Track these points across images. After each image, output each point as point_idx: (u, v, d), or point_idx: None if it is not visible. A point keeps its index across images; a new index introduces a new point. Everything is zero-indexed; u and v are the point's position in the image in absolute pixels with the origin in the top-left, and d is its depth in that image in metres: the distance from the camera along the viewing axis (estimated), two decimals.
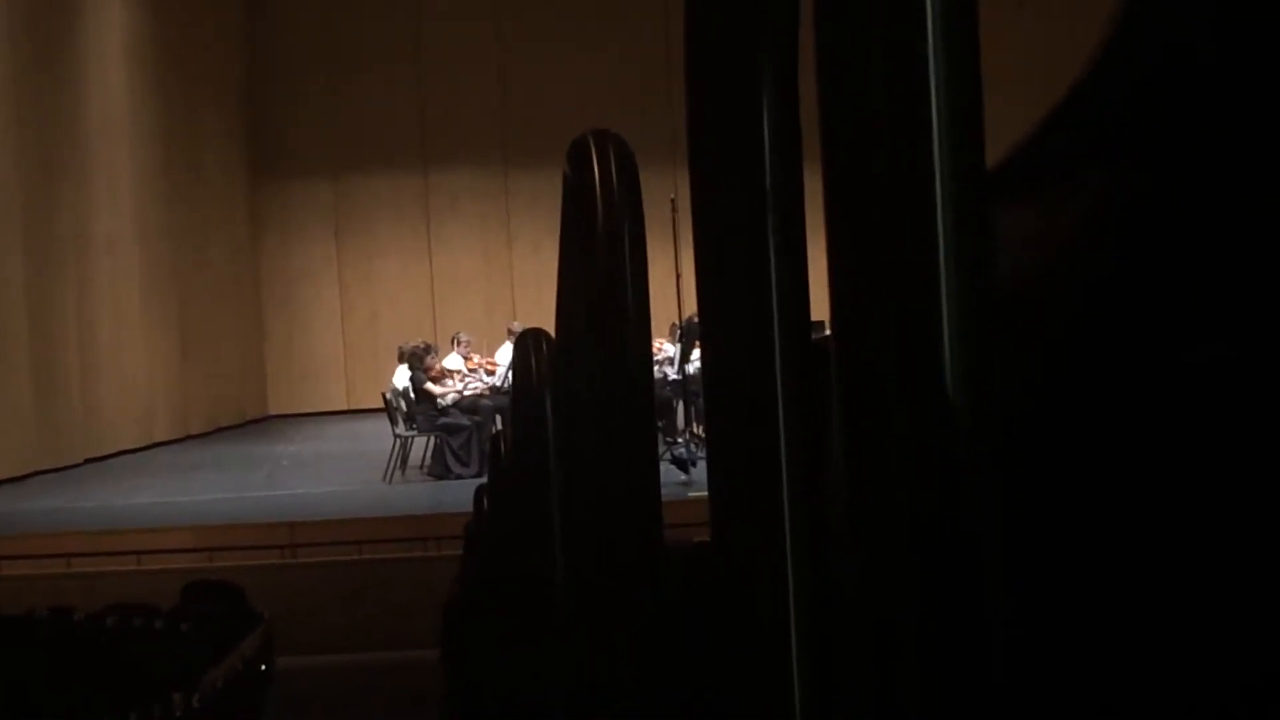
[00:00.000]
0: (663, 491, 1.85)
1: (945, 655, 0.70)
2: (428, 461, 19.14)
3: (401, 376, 19.62)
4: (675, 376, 18.43)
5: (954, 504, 0.69)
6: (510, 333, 19.71)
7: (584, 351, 1.81)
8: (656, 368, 17.69)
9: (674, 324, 19.35)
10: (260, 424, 29.93)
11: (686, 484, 14.86)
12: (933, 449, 0.69)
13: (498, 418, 17.53)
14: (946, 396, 0.69)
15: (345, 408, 30.55)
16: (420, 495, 17.37)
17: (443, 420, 18.91)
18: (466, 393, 19.26)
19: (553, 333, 2.62)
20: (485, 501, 5.47)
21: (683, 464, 15.58)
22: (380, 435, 20.12)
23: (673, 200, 16.17)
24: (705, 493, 0.98)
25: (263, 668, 11.76)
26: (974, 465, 0.69)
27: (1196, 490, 0.81)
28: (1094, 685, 0.84)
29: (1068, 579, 0.84)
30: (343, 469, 20.45)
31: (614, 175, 1.77)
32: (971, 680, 0.70)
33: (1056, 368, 0.86)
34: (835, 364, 0.72)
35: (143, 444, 24.72)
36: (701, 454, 15.66)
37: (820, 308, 0.79)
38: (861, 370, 0.71)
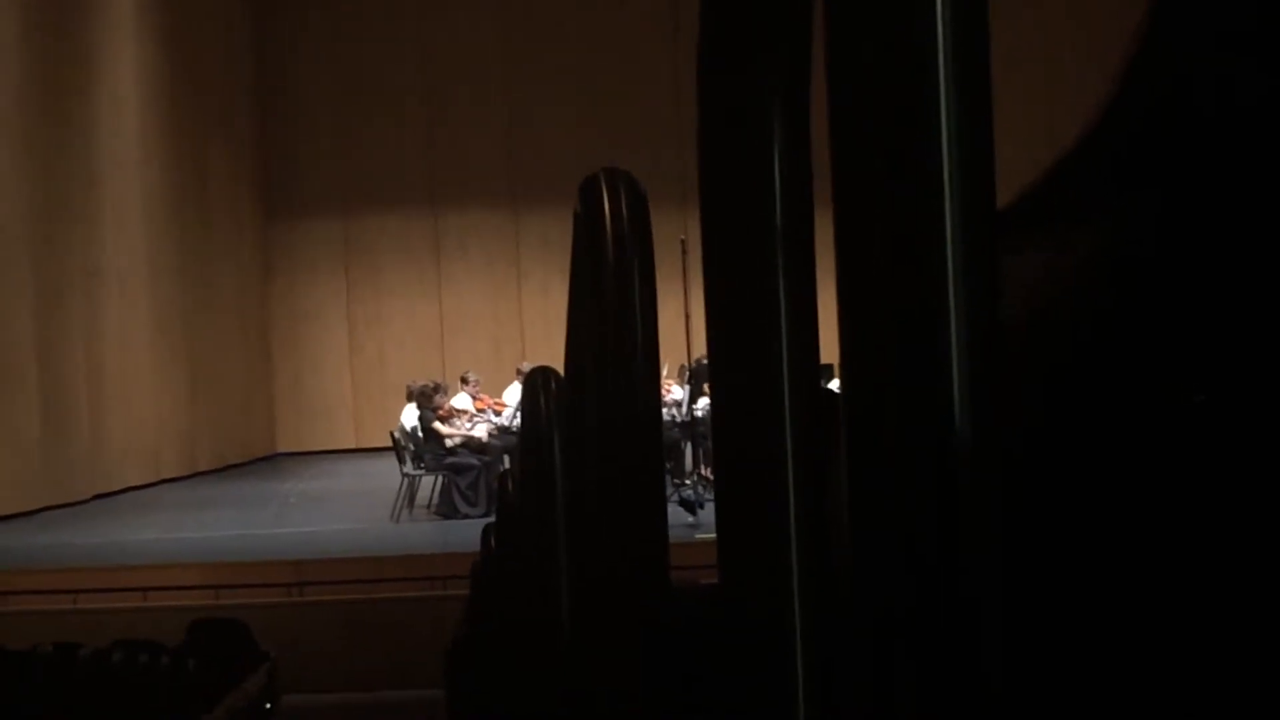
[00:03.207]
0: (670, 533, 1.85)
1: (953, 700, 0.70)
2: (435, 501, 19.13)
3: (410, 415, 19.62)
4: (683, 419, 18.42)
5: (961, 544, 0.69)
6: (519, 372, 19.73)
7: (592, 391, 1.81)
8: (665, 409, 17.71)
9: (683, 365, 19.35)
10: (268, 461, 29.92)
11: (694, 526, 14.84)
12: (940, 491, 0.69)
13: (506, 457, 17.51)
14: (954, 438, 0.69)
15: (353, 446, 30.54)
16: (427, 534, 17.36)
17: (451, 460, 18.90)
18: (475, 432, 19.25)
19: (562, 373, 2.62)
20: (492, 541, 5.46)
21: (690, 506, 15.57)
22: (388, 474, 20.11)
23: (683, 241, 16.18)
24: (713, 535, 0.98)
25: (267, 706, 11.75)
26: (981, 505, 0.69)
27: (1204, 523, 0.81)
28: None
29: (1075, 621, 0.84)
30: (350, 507, 20.43)
31: (625, 212, 1.77)
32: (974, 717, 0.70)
33: (1063, 406, 0.86)
34: (844, 404, 0.73)
35: (150, 480, 24.71)
36: (709, 496, 15.65)
37: (830, 351, 0.79)
38: (869, 412, 0.71)
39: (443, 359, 30.05)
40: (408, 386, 20.49)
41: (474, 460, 18.78)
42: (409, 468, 19.21)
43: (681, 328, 17.48)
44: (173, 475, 25.62)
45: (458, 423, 19.48)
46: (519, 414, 3.91)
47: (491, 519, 6.11)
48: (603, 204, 1.78)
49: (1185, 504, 0.81)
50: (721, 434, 0.94)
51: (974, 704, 0.70)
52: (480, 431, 19.25)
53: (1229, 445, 0.81)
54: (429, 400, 19.48)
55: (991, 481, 0.70)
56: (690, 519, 15.29)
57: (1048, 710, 0.84)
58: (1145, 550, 0.83)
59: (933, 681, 0.70)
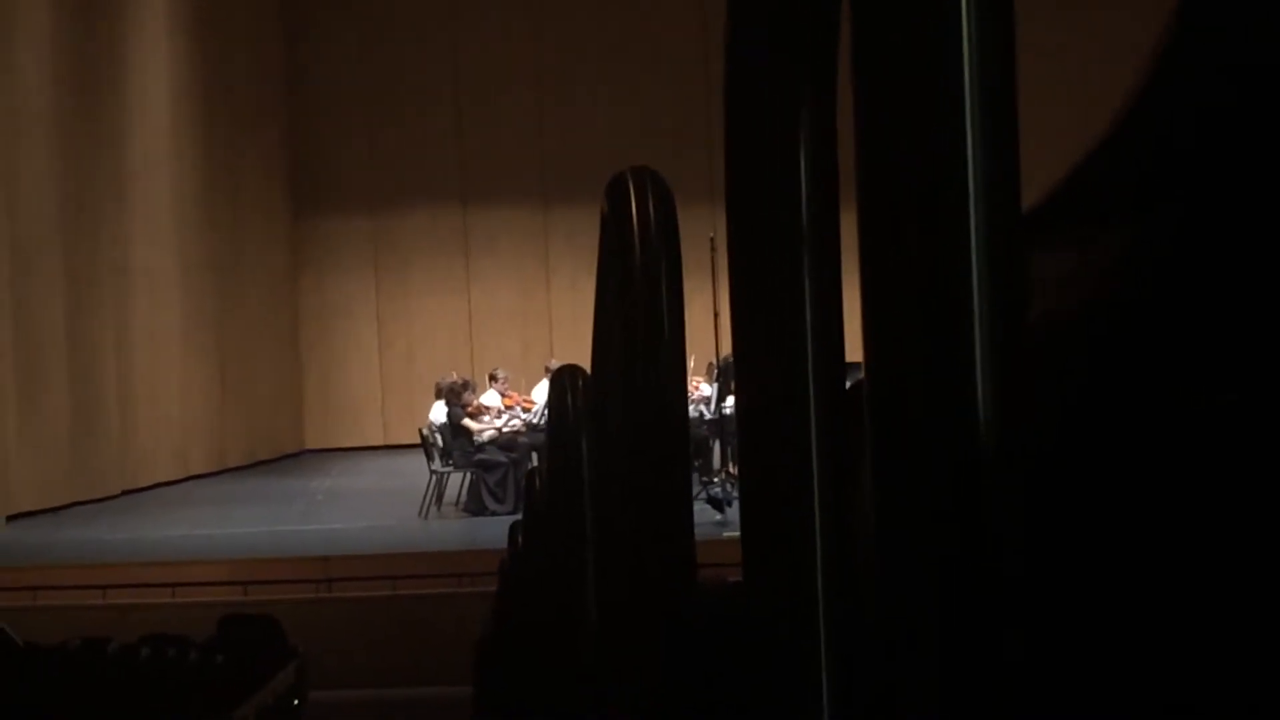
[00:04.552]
0: (698, 531, 1.85)
1: (974, 697, 0.70)
2: (463, 498, 19.14)
3: (438, 412, 19.63)
4: (712, 416, 18.41)
5: (985, 545, 0.69)
6: (547, 370, 19.70)
7: (619, 390, 1.81)
8: (692, 407, 17.70)
9: (711, 363, 19.34)
10: (297, 458, 29.96)
11: (722, 524, 14.85)
12: (964, 490, 0.69)
13: (534, 454, 17.52)
14: (979, 437, 0.69)
15: (382, 443, 30.57)
16: (455, 531, 17.37)
17: (479, 457, 18.92)
18: (503, 429, 19.27)
19: (589, 370, 2.62)
20: (520, 539, 5.46)
21: (718, 504, 15.58)
22: (416, 471, 20.12)
23: (711, 240, 16.15)
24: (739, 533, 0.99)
25: (295, 702, 11.76)
26: (1006, 506, 0.69)
27: (1227, 529, 0.81)
28: None
29: (1098, 620, 0.84)
30: (378, 504, 20.45)
31: (652, 212, 1.77)
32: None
33: (1088, 410, 0.86)
34: (868, 405, 0.73)
35: (179, 476, 24.78)
36: (736, 494, 15.63)
37: (856, 349, 0.79)
38: (894, 411, 0.71)
39: (471, 356, 30.06)
40: (436, 383, 20.51)
41: (502, 457, 18.79)
42: (437, 465, 19.23)
43: (710, 325, 17.48)
44: (201, 471, 25.67)
45: (486, 419, 19.49)
46: (547, 411, 3.93)
47: (519, 516, 6.11)
48: (629, 204, 1.79)
49: (1212, 506, 0.81)
50: (746, 432, 0.94)
51: (997, 704, 0.70)
52: (509, 428, 19.27)
53: (1259, 448, 0.81)
54: (458, 397, 19.50)
55: (1016, 480, 0.70)
56: (718, 516, 15.30)
57: (1070, 710, 0.84)
58: (1168, 552, 0.83)
59: (956, 681, 0.70)
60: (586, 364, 2.70)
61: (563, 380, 3.08)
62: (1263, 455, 0.80)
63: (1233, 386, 0.82)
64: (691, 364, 14.91)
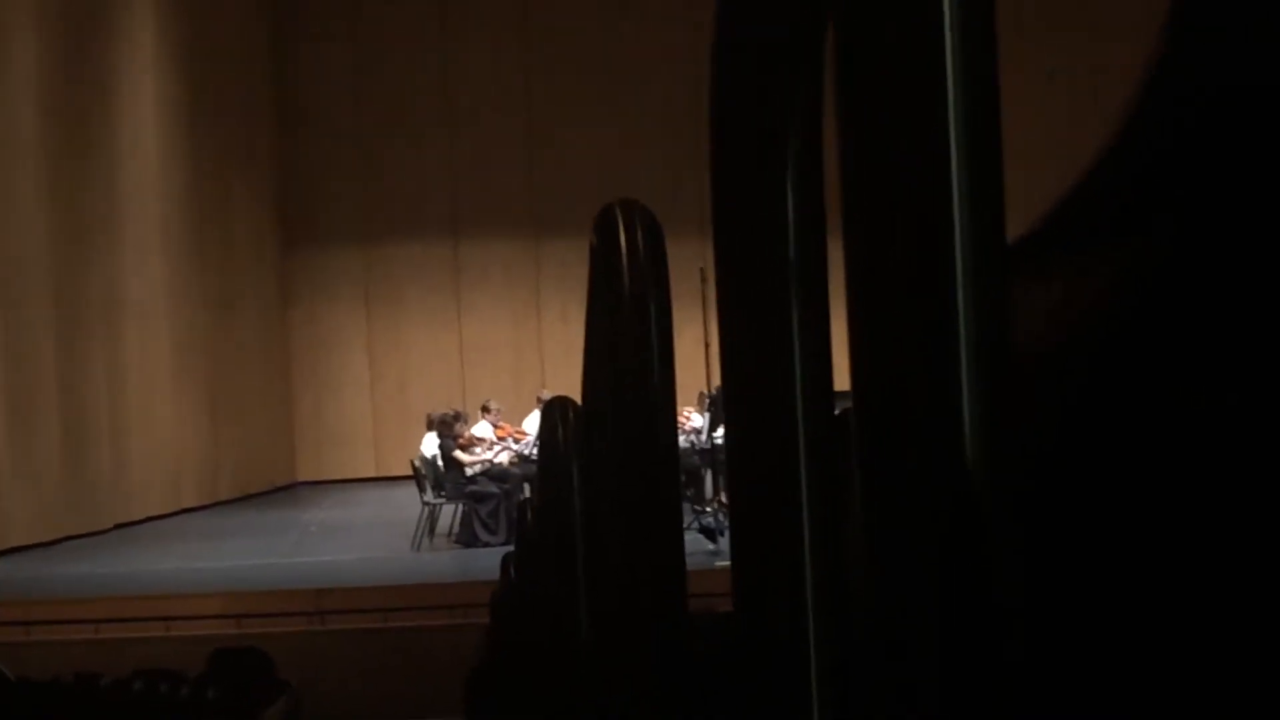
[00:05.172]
0: (690, 561, 1.85)
1: None
2: (456, 529, 19.13)
3: (430, 444, 19.63)
4: (703, 446, 18.42)
5: (975, 574, 0.70)
6: (539, 401, 19.70)
7: (609, 421, 1.81)
8: (683, 437, 17.70)
9: (702, 393, 19.35)
10: (289, 490, 29.93)
11: (714, 553, 14.84)
12: (953, 520, 0.70)
13: (526, 486, 17.52)
14: (966, 468, 0.69)
15: (374, 475, 30.55)
16: (448, 563, 17.35)
17: (471, 488, 18.91)
18: (495, 461, 19.26)
19: (580, 401, 2.62)
20: (512, 570, 5.46)
21: (710, 533, 15.58)
22: (409, 502, 20.11)
23: (702, 270, 16.18)
24: None
25: None
26: (995, 536, 0.69)
27: (1220, 557, 0.81)
28: None
29: (1094, 651, 0.84)
30: (371, 536, 20.42)
31: (640, 245, 1.78)
32: None
33: (1077, 440, 0.86)
34: (855, 435, 0.73)
35: (172, 510, 24.73)
36: (729, 524, 15.62)
37: (844, 378, 0.80)
38: (881, 441, 0.72)
39: (463, 387, 30.07)
40: (428, 415, 20.52)
41: (494, 489, 18.78)
42: (429, 496, 19.21)
43: (701, 355, 17.48)
44: (193, 504, 25.63)
45: (478, 451, 19.49)
46: (539, 442, 3.94)
47: (512, 548, 6.11)
48: (618, 236, 1.79)
49: (1211, 525, 0.82)
50: (736, 462, 0.94)
51: None
52: (501, 460, 19.26)
53: (1255, 485, 0.81)
54: (449, 429, 19.50)
55: (1007, 510, 0.70)
56: (710, 546, 15.29)
57: None
58: (1161, 579, 0.83)
59: (950, 714, 0.70)
60: (579, 394, 2.70)
61: (553, 411, 3.09)
62: (1262, 466, 0.81)
63: (1232, 401, 0.82)
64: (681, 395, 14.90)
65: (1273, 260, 0.84)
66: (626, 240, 1.79)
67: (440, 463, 19.27)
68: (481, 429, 20.15)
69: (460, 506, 19.07)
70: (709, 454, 18.25)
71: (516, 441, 19.62)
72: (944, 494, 0.70)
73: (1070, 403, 0.88)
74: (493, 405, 20.77)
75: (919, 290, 0.70)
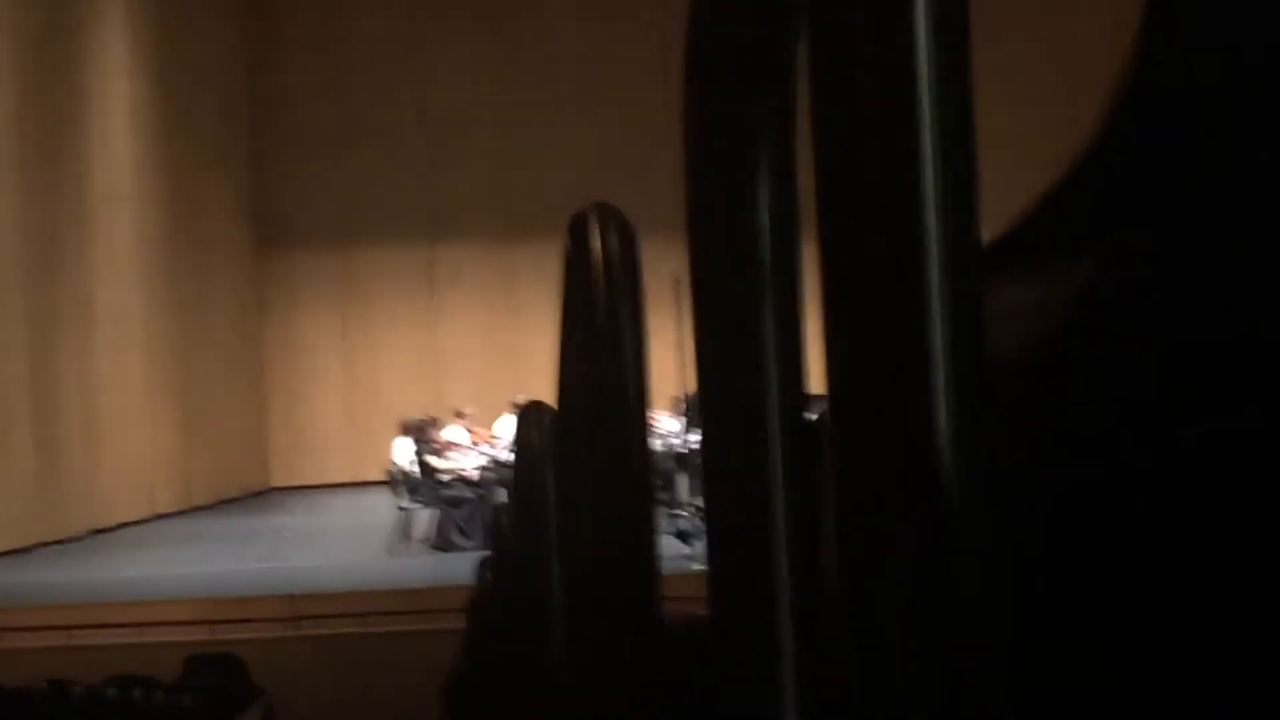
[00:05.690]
0: (666, 564, 1.85)
1: None
2: (431, 534, 19.10)
3: (405, 449, 19.60)
4: (679, 450, 18.41)
5: (948, 579, 0.69)
6: (514, 405, 19.69)
7: (583, 426, 1.81)
8: (658, 440, 17.69)
9: (677, 397, 19.34)
10: (263, 496, 29.86)
11: (690, 557, 14.83)
12: (927, 524, 0.69)
13: (501, 490, 17.49)
14: (940, 471, 0.69)
15: (348, 480, 30.48)
16: (423, 568, 17.32)
17: (446, 493, 18.89)
18: (470, 465, 19.24)
19: (555, 406, 2.62)
20: (488, 575, 5.45)
21: (686, 537, 15.57)
22: (384, 508, 20.08)
23: (676, 275, 16.15)
24: None
25: None
26: (969, 541, 0.69)
27: (1193, 563, 0.81)
28: None
29: (1068, 655, 0.84)
30: (345, 541, 20.40)
31: (614, 249, 1.78)
32: None
33: (1051, 442, 0.86)
34: (830, 439, 0.73)
35: (145, 516, 24.65)
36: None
37: (820, 380, 0.80)
38: (855, 443, 0.71)
39: (438, 391, 30.01)
40: (402, 420, 20.48)
41: (470, 494, 18.77)
42: (404, 501, 19.19)
43: (675, 359, 17.48)
44: (167, 510, 25.57)
45: (453, 456, 19.46)
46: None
47: (487, 552, 6.10)
48: (591, 240, 1.79)
49: (1180, 535, 0.81)
50: (710, 466, 0.94)
51: None
52: (476, 464, 19.24)
53: (1227, 485, 0.81)
54: (424, 434, 19.48)
55: (981, 511, 0.70)
56: (686, 550, 15.27)
57: None
58: (1136, 585, 0.83)
59: (924, 714, 0.70)
60: (553, 398, 2.70)
61: (527, 417, 3.08)
62: (1231, 481, 0.81)
63: (1200, 416, 0.82)
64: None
65: (1244, 266, 0.84)
66: (600, 245, 1.78)
67: (415, 468, 19.24)
68: (455, 433, 20.13)
69: (435, 511, 19.04)
70: (684, 458, 18.23)
71: (491, 446, 19.60)
72: (917, 496, 0.70)
73: (1043, 406, 0.88)
74: (467, 410, 20.76)
75: (893, 293, 0.70)
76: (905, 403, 0.70)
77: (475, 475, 18.98)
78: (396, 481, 19.33)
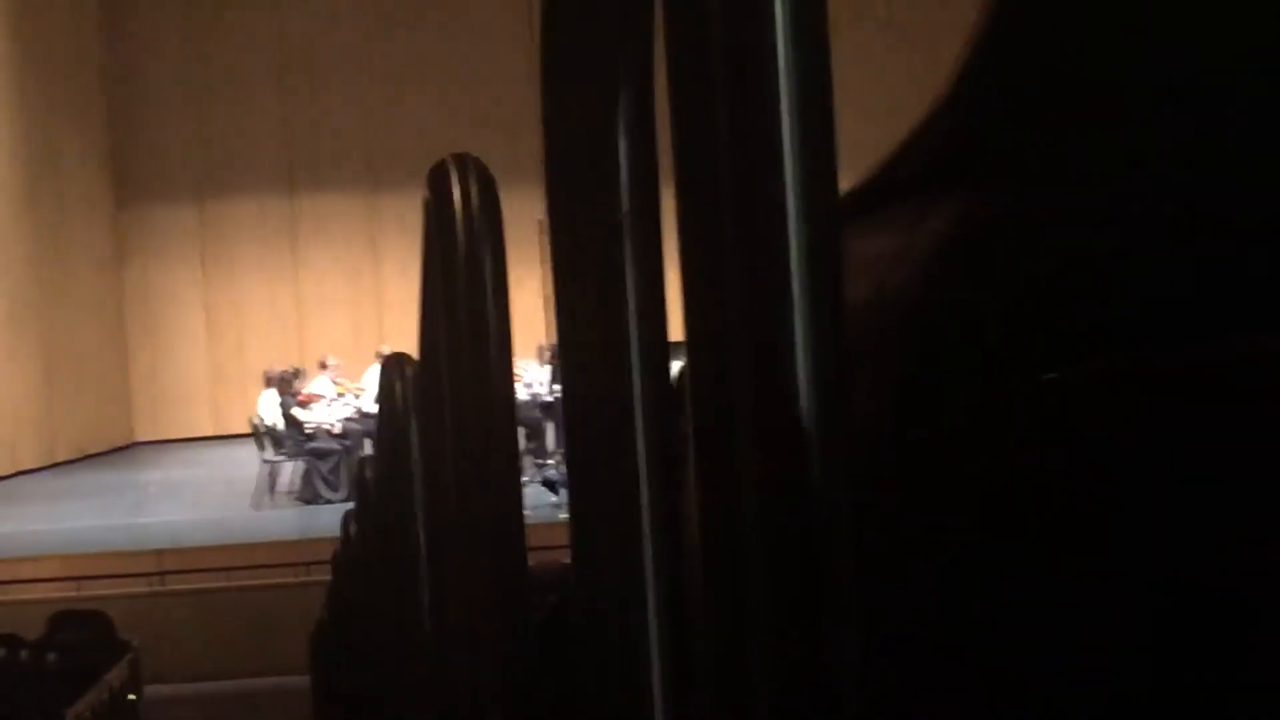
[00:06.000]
0: (535, 513, 1.86)
1: (795, 684, 0.70)
2: (297, 486, 19.03)
3: (269, 401, 19.51)
4: (546, 399, 18.44)
5: (807, 529, 0.70)
6: (379, 356, 19.64)
7: (445, 376, 1.80)
8: (524, 390, 17.72)
9: (541, 346, 19.37)
10: (127, 451, 29.63)
11: (558, 506, 14.87)
12: (785, 474, 0.69)
13: (366, 441, 17.46)
14: (800, 420, 0.69)
15: (213, 433, 30.28)
16: (289, 521, 17.28)
17: (311, 445, 18.83)
18: (335, 417, 19.18)
19: (418, 356, 2.62)
20: (352, 527, 5.44)
21: (553, 486, 15.66)
22: (248, 461, 19.99)
23: (540, 222, 16.15)
24: None
25: (130, 697, 11.66)
26: (828, 491, 0.69)
27: (1051, 510, 0.81)
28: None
29: (928, 607, 0.84)
30: (211, 495, 20.29)
31: (473, 198, 1.77)
32: (824, 711, 0.70)
33: (910, 392, 0.87)
34: (688, 388, 0.73)
35: (8, 472, 24.41)
36: None
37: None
38: (712, 394, 0.71)
39: (301, 343, 29.85)
40: (265, 372, 20.38)
41: (335, 445, 18.71)
42: (269, 454, 19.11)
43: (541, 308, 17.48)
44: (31, 467, 25.33)
45: (317, 408, 19.38)
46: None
47: (353, 505, 6.09)
48: (452, 191, 1.78)
49: (1040, 494, 0.82)
50: (571, 415, 0.94)
51: (829, 701, 0.70)
52: (340, 416, 19.17)
53: (1087, 431, 0.81)
54: (288, 386, 19.40)
55: (841, 467, 0.70)
56: (554, 498, 15.33)
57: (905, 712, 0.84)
58: (1000, 540, 0.83)
59: (787, 674, 0.71)
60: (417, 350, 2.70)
61: (390, 368, 3.07)
62: (1082, 432, 0.81)
63: (1051, 365, 0.83)
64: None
65: (1102, 214, 0.85)
66: (460, 194, 1.78)
67: (280, 420, 19.15)
68: (320, 385, 20.05)
69: (301, 463, 18.98)
70: (550, 407, 18.27)
71: (356, 397, 19.54)
72: (776, 447, 0.70)
73: (899, 353, 0.88)
74: (330, 361, 20.68)
75: (750, 240, 0.70)
76: (763, 349, 0.70)
77: (340, 427, 18.92)
78: (261, 434, 19.24)
